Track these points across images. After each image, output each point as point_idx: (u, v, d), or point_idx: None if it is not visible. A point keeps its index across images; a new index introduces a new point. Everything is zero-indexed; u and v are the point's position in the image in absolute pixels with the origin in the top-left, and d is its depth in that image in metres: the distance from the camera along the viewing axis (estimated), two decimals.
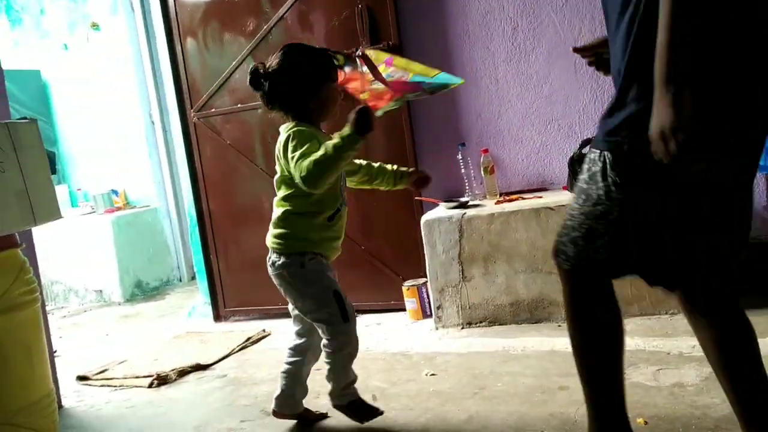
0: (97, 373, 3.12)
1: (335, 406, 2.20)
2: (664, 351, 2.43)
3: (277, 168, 2.10)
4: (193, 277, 5.00)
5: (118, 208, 5.11)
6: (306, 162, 1.90)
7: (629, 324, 2.75)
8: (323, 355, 2.13)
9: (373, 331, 3.24)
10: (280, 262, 2.08)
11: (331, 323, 2.06)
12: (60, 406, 2.73)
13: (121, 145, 5.24)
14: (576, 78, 3.15)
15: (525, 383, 2.33)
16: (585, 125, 3.15)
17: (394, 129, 3.36)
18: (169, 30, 3.77)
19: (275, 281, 2.13)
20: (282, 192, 2.09)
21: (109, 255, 4.89)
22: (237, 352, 3.20)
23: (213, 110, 3.74)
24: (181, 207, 5.07)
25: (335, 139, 1.92)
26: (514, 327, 2.83)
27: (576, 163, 2.91)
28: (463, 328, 3.04)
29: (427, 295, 3.22)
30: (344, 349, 2.09)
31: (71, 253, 5.01)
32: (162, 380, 2.90)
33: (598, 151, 1.47)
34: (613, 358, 1.56)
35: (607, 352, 1.56)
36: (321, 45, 3.45)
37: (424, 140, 3.41)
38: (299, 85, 2.04)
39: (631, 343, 2.56)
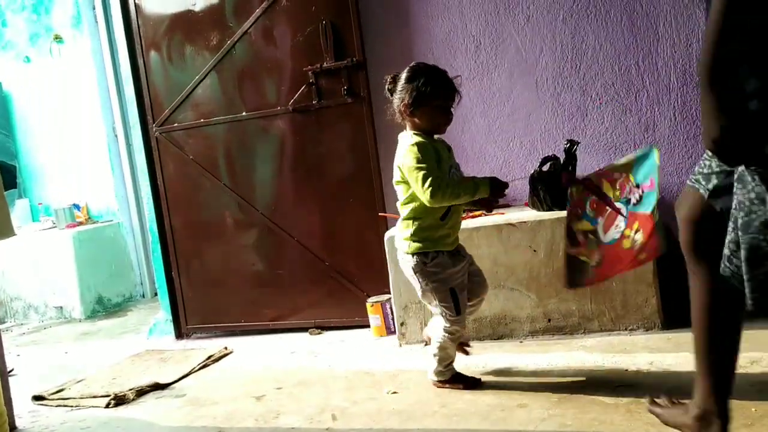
0: (54, 393, 3.05)
1: (441, 383, 2.48)
2: (622, 368, 2.45)
3: (398, 173, 2.39)
4: (157, 294, 4.93)
5: (80, 223, 5.02)
6: (436, 182, 2.25)
7: (588, 340, 2.78)
8: (438, 334, 2.44)
9: (337, 349, 3.21)
10: (405, 261, 2.43)
11: (447, 315, 2.39)
12: (13, 428, 2.66)
13: (84, 159, 5.16)
14: (537, 96, 3.19)
15: (485, 401, 2.33)
16: (546, 143, 3.18)
17: (359, 144, 3.36)
18: (131, 42, 3.73)
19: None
20: (402, 196, 2.41)
21: (69, 271, 4.80)
22: (198, 370, 3.15)
23: (176, 125, 3.70)
24: (144, 222, 5.00)
25: (471, 182, 2.31)
26: (477, 343, 2.83)
27: (537, 180, 2.96)
28: (427, 344, 3.03)
29: (391, 311, 3.21)
30: (454, 334, 2.41)
31: (31, 269, 4.91)
32: (119, 400, 2.84)
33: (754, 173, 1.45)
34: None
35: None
36: (285, 60, 3.46)
37: (388, 155, 3.40)
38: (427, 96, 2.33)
39: (589, 359, 2.58)
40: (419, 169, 2.27)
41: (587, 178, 2.17)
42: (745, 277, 1.48)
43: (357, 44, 3.30)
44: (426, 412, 2.31)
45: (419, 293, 2.47)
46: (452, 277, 2.39)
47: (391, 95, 2.40)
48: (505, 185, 2.32)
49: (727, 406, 1.71)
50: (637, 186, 2.03)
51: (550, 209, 2.91)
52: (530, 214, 2.93)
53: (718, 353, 1.71)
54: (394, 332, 3.17)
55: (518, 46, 3.20)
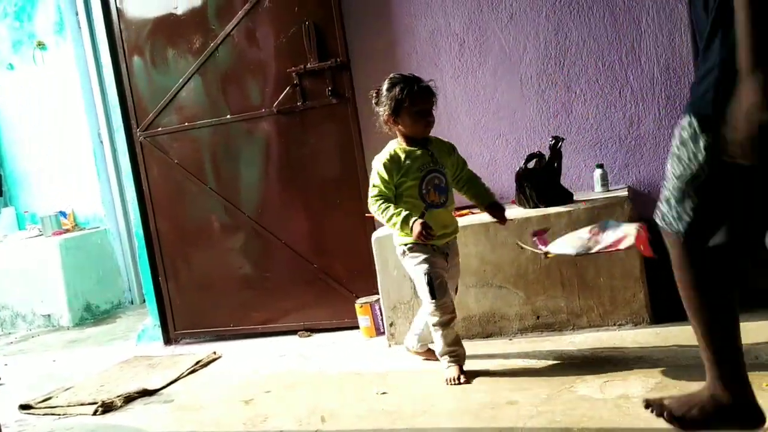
0: (41, 401, 3.02)
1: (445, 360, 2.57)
2: (611, 363, 2.44)
3: None
4: (145, 300, 4.90)
5: (67, 230, 4.99)
6: (374, 200, 2.54)
7: (577, 336, 2.78)
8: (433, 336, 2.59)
9: (327, 351, 3.20)
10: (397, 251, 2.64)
11: (426, 300, 2.53)
12: None
13: (70, 165, 5.13)
14: (522, 93, 3.19)
15: (475, 399, 2.32)
16: (531, 140, 3.18)
17: (345, 144, 3.35)
18: (113, 47, 3.70)
19: None
20: None
21: (56, 278, 4.76)
22: (186, 376, 3.13)
23: (160, 129, 3.68)
24: (131, 228, 4.96)
25: (400, 218, 2.45)
26: (466, 342, 2.80)
27: (523, 177, 2.96)
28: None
29: (380, 312, 3.20)
30: (441, 326, 2.51)
31: (18, 278, 4.86)
32: (107, 407, 2.81)
33: (688, 117, 1.54)
34: (729, 310, 1.65)
35: (721, 304, 1.65)
36: (269, 61, 3.45)
37: (374, 155, 3.39)
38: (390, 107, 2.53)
39: (578, 355, 2.58)
40: (373, 185, 2.57)
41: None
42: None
43: (340, 45, 3.29)
44: (416, 412, 2.30)
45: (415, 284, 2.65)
46: (432, 265, 2.51)
47: (377, 107, 2.57)
48: (428, 228, 2.40)
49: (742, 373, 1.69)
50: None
51: (536, 206, 2.91)
52: (517, 212, 2.92)
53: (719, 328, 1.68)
54: (384, 333, 3.15)
55: (502, 44, 3.20)
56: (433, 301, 2.50)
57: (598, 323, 2.81)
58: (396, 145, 2.58)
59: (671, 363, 2.35)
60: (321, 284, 3.51)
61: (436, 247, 2.55)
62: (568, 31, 3.09)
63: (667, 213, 1.64)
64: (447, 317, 2.52)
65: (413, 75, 2.57)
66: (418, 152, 2.55)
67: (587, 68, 3.10)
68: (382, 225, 3.23)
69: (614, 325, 2.80)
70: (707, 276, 1.64)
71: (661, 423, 1.85)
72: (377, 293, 3.17)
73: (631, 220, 2.71)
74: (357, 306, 3.31)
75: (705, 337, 1.67)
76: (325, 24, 3.30)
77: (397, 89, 2.49)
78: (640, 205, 2.85)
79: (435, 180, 2.55)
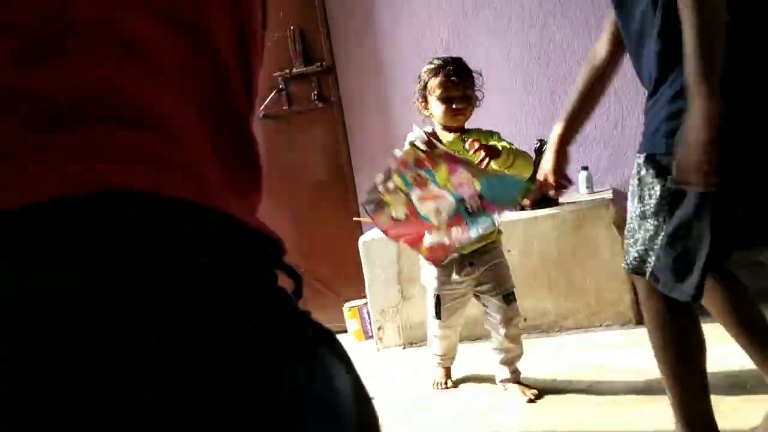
0: None
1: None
2: (597, 364, 2.47)
3: None
4: None
5: None
6: None
7: (564, 338, 2.80)
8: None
9: None
10: None
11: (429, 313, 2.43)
12: None
13: None
14: (507, 97, 3.21)
15: (464, 403, 2.34)
16: (517, 143, 3.14)
17: (331, 148, 3.36)
18: None
19: None
20: None
21: None
22: None
23: None
24: None
25: None
26: None
27: None
28: (404, 348, 3.04)
29: (368, 316, 3.21)
30: (432, 330, 2.45)
31: None
32: None
33: (644, 155, 1.50)
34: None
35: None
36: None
37: (360, 160, 3.42)
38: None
39: (566, 357, 2.60)
40: None
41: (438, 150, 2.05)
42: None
43: (326, 49, 3.30)
44: (401, 418, 2.31)
45: None
46: (442, 284, 2.35)
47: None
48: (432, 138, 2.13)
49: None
50: (480, 197, 1.98)
51: (522, 209, 2.93)
52: (503, 214, 2.94)
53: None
54: (372, 337, 3.16)
55: (486, 48, 3.21)
56: (438, 321, 2.42)
57: (585, 324, 2.84)
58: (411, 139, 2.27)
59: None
60: (309, 288, 3.49)
61: (456, 259, 2.28)
62: (552, 35, 3.12)
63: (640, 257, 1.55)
64: (442, 348, 2.50)
65: (452, 57, 2.35)
66: (450, 139, 2.29)
67: (572, 71, 3.12)
68: (370, 228, 3.25)
69: (601, 326, 2.82)
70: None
71: (651, 425, 1.88)
72: (365, 297, 3.18)
73: (616, 221, 2.74)
74: (345, 310, 3.32)
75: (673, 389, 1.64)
76: (310, 29, 3.30)
77: (424, 74, 2.31)
78: (624, 207, 2.88)
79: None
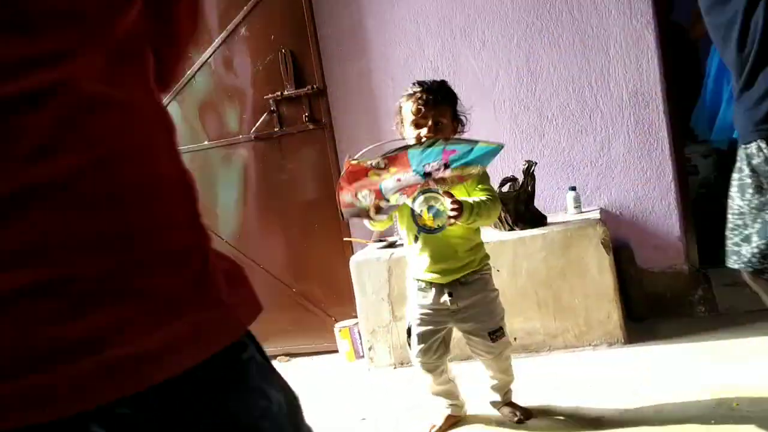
0: None
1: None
2: (586, 383, 2.49)
3: None
4: None
5: None
6: None
7: (553, 357, 2.82)
8: None
9: (308, 376, 3.21)
10: None
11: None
12: None
13: None
14: (495, 118, 3.25)
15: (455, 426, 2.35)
16: (505, 163, 3.23)
17: (322, 169, 3.38)
18: None
19: None
20: None
21: None
22: None
23: None
24: None
25: None
26: None
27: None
28: (396, 368, 3.05)
29: (359, 336, 3.22)
30: (424, 375, 2.31)
31: None
32: None
33: (755, 143, 1.41)
34: None
35: None
36: (246, 88, 3.48)
37: None
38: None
39: (554, 376, 2.62)
40: None
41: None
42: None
43: (317, 71, 3.33)
44: None
45: None
46: (415, 312, 2.24)
47: None
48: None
49: None
50: (415, 172, 1.97)
51: (512, 229, 2.96)
52: (492, 235, 2.97)
53: None
54: (363, 356, 3.17)
55: (475, 71, 3.26)
56: (411, 352, 2.28)
57: (573, 344, 2.85)
58: None
59: (645, 383, 2.40)
60: (300, 309, 3.52)
61: (435, 285, 2.19)
62: (539, 57, 3.17)
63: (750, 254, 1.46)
64: (426, 369, 2.29)
65: (432, 83, 2.26)
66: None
67: (558, 93, 3.17)
68: (361, 248, 3.27)
69: (590, 345, 2.84)
70: None
71: None
72: (356, 317, 3.19)
73: (604, 241, 2.78)
74: (336, 330, 3.33)
75: None
76: (301, 51, 3.34)
77: (401, 98, 2.25)
78: (612, 227, 2.92)
79: (431, 200, 2.10)
